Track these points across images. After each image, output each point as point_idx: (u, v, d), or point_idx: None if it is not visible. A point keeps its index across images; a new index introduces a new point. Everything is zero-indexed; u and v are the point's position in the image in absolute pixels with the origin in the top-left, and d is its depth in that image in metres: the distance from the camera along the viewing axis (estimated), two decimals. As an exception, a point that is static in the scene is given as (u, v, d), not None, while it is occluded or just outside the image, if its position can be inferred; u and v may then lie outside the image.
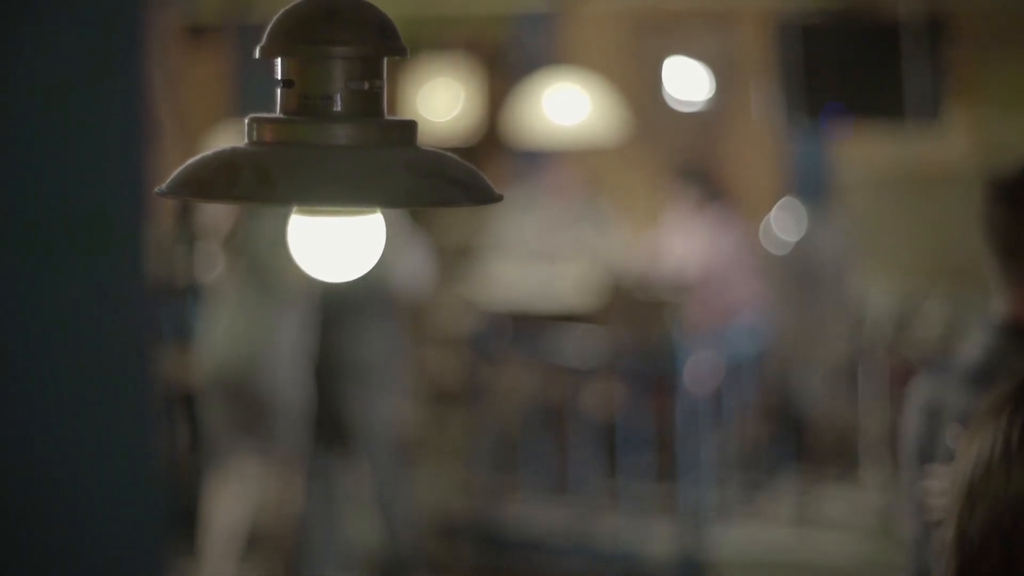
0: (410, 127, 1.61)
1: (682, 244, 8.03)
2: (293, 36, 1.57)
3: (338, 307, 5.97)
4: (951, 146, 7.23)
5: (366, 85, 1.58)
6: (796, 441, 7.80)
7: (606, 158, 9.19)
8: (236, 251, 5.75)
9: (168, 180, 1.60)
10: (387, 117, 1.61)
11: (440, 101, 10.56)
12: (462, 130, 10.50)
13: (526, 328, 7.59)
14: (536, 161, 9.20)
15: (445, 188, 1.56)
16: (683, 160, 8.63)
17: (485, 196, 1.60)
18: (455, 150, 1.65)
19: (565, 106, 8.17)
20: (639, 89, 9.16)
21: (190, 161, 1.59)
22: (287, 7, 1.60)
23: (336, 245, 1.62)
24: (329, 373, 6.01)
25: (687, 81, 9.07)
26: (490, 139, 10.29)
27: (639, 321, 7.31)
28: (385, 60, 1.60)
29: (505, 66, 10.04)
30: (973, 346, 2.81)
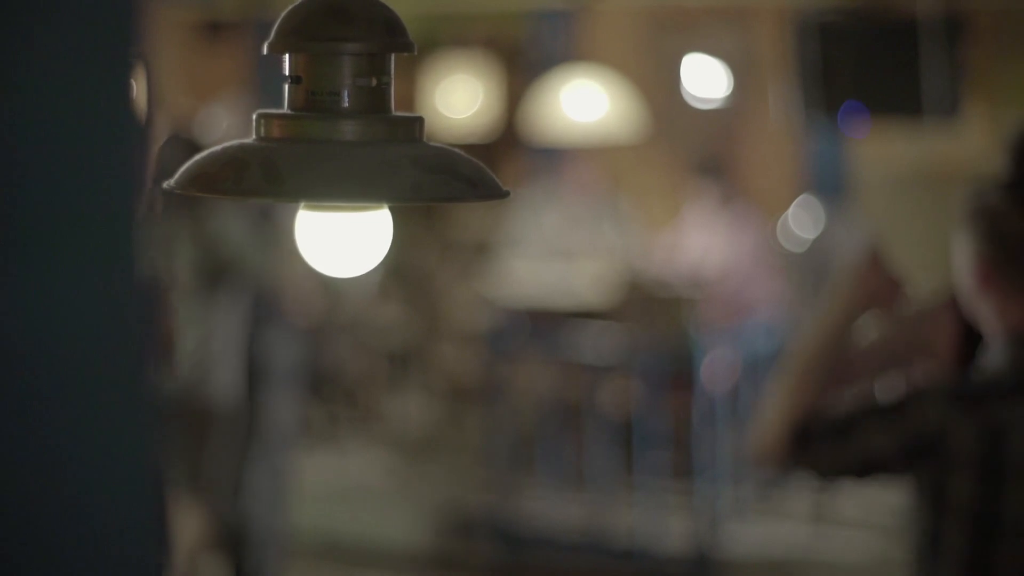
0: (417, 123, 1.61)
1: (700, 241, 8.03)
2: (300, 32, 1.58)
3: (267, 306, 5.85)
4: (969, 144, 7.21)
5: (373, 81, 1.59)
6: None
7: (624, 155, 9.18)
8: (198, 247, 5.48)
9: (176, 175, 1.61)
10: (394, 113, 1.62)
11: (459, 98, 10.56)
12: (480, 127, 10.50)
13: (543, 325, 7.59)
14: (554, 158, 9.19)
15: (452, 184, 1.57)
16: (701, 157, 8.62)
17: (491, 192, 1.60)
18: (473, 147, 1.66)
19: (583, 103, 8.16)
20: (657, 86, 9.15)
21: (199, 156, 1.60)
22: (296, 3, 1.61)
23: (343, 241, 1.62)
24: (256, 374, 5.89)
25: (705, 78, 9.05)
26: (508, 136, 10.29)
27: (656, 318, 7.30)
28: (392, 56, 1.61)
29: (523, 63, 10.03)
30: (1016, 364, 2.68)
